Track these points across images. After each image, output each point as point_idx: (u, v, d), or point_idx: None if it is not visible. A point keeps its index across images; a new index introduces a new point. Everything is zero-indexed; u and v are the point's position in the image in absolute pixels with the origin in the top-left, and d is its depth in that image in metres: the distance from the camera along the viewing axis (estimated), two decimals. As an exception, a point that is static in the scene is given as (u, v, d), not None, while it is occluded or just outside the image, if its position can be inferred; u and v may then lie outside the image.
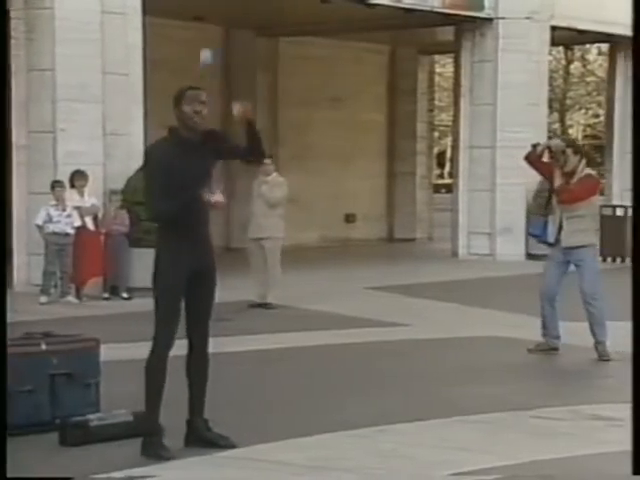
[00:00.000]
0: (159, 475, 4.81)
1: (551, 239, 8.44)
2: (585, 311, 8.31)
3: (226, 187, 21.02)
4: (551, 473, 4.88)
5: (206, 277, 5.23)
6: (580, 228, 8.23)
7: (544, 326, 8.42)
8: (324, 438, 5.46)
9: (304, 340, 8.99)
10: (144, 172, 5.32)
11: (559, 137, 9.24)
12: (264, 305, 11.08)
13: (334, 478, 4.75)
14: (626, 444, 5.32)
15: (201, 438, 5.20)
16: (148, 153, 5.36)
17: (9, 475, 3.57)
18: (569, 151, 8.34)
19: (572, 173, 8.30)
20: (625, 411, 6.13)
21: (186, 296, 5.19)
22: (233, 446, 5.17)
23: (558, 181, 8.33)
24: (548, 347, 8.39)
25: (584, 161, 8.47)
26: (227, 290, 11.71)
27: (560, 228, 8.28)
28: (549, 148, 8.44)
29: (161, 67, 14.89)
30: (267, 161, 11.54)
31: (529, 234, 8.93)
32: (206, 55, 5.30)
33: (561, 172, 8.31)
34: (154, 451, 5.08)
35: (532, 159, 8.52)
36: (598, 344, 8.23)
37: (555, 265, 8.40)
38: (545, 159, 8.61)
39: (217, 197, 5.15)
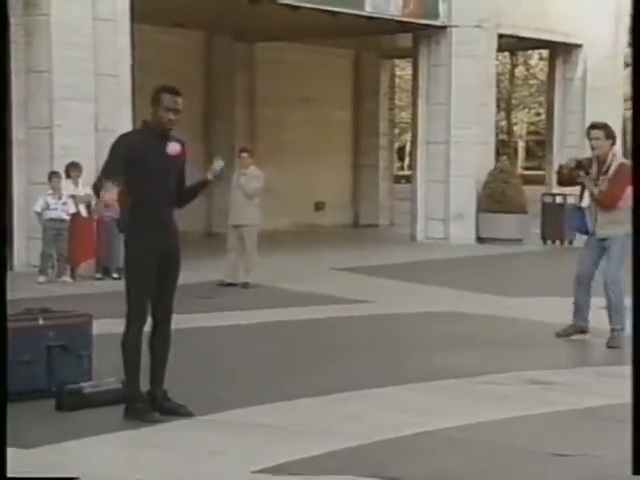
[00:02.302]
0: (150, 437, 4.79)
1: (589, 229, 7.65)
2: (605, 297, 7.63)
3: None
4: (492, 434, 4.89)
5: (171, 258, 5.16)
6: (614, 219, 7.47)
7: (576, 309, 7.72)
8: (296, 403, 5.45)
9: (278, 316, 8.98)
10: (110, 150, 5.19)
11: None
12: (241, 285, 11.07)
13: (305, 439, 4.74)
14: (558, 405, 5.38)
15: (161, 407, 5.14)
16: (119, 137, 5.26)
17: (9, 475, 3.51)
18: (600, 133, 7.44)
19: (604, 161, 7.45)
20: (559, 376, 6.20)
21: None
22: (190, 414, 5.09)
23: (592, 186, 7.47)
24: (576, 329, 7.70)
25: (615, 147, 7.59)
26: (208, 271, 11.79)
27: (595, 219, 7.55)
28: (577, 162, 7.62)
29: (148, 69, 14.76)
30: (245, 155, 11.58)
31: (570, 226, 8.11)
32: (218, 163, 5.30)
33: (595, 178, 7.45)
34: (139, 416, 5.06)
35: (564, 180, 7.73)
36: (612, 331, 7.52)
37: (590, 252, 7.68)
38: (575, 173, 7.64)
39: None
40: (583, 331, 7.69)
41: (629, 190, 7.19)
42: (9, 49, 11.73)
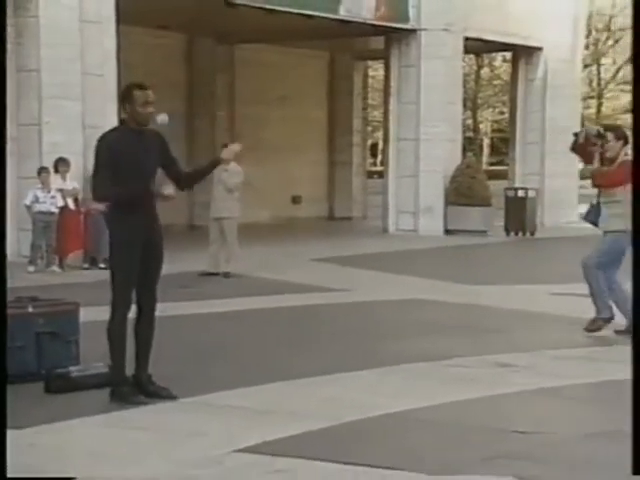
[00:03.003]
0: (136, 418, 4.76)
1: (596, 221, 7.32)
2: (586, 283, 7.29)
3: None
4: (458, 414, 4.91)
5: (154, 248, 5.11)
6: (617, 213, 7.04)
7: (592, 300, 7.26)
8: (274, 386, 5.43)
9: (258, 304, 8.95)
10: (95, 155, 5.14)
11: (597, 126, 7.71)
12: (222, 274, 11.05)
13: (282, 420, 4.73)
14: (520, 386, 5.41)
15: (145, 390, 5.11)
16: (100, 139, 5.17)
17: (9, 475, 3.45)
18: (610, 136, 7.11)
19: (614, 159, 7.11)
20: (522, 359, 6.22)
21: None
22: (173, 397, 5.06)
23: (595, 165, 7.18)
24: (602, 322, 7.19)
25: (628, 147, 7.09)
26: (190, 261, 11.74)
27: (599, 212, 7.22)
28: (586, 135, 7.22)
29: (133, 69, 14.64)
30: (225, 151, 11.56)
31: (583, 219, 7.63)
32: (163, 117, 5.20)
33: (601, 157, 7.11)
34: (124, 398, 5.03)
35: (577, 148, 7.28)
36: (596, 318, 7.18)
37: (596, 244, 7.31)
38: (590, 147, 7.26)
39: (168, 190, 5.06)
40: (608, 319, 7.15)
41: (629, 186, 6.82)
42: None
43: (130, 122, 5.08)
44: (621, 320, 7.11)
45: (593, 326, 7.17)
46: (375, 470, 3.86)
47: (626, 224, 6.88)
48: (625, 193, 6.91)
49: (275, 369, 5.88)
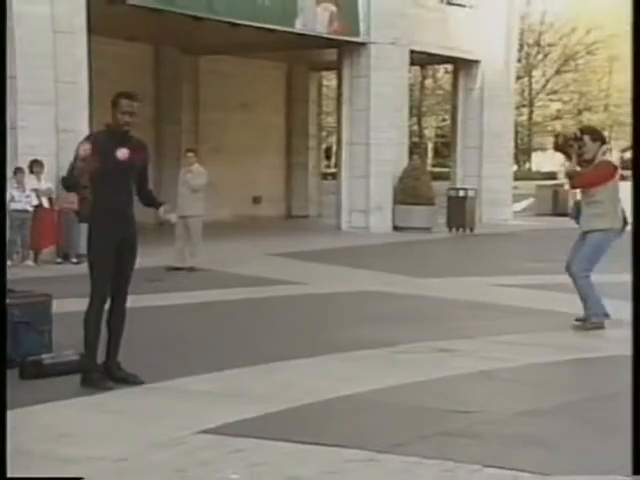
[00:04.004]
0: (106, 402, 4.69)
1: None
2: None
3: (156, 174, 20.63)
4: (404, 395, 4.91)
5: (129, 245, 5.08)
6: (596, 212, 6.70)
7: (581, 300, 6.91)
8: (235, 372, 5.39)
9: (221, 296, 8.89)
10: (76, 150, 5.05)
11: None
12: (188, 269, 10.97)
13: (242, 403, 4.69)
14: (463, 369, 5.44)
15: (114, 376, 5.05)
16: (87, 137, 5.16)
17: (9, 475, 3.36)
18: (587, 138, 6.72)
19: (592, 160, 6.73)
20: (466, 344, 6.26)
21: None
22: (141, 382, 5.01)
23: (572, 166, 6.83)
24: (591, 324, 6.81)
25: (605, 148, 6.86)
26: (158, 257, 11.61)
27: (579, 212, 6.88)
28: (564, 137, 6.98)
29: (103, 77, 14.46)
30: (190, 155, 11.47)
31: (569, 217, 7.35)
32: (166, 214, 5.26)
33: (578, 159, 6.76)
34: (95, 384, 4.96)
35: (559, 147, 6.98)
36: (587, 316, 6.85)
37: (576, 243, 6.96)
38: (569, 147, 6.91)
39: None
40: (599, 327, 6.76)
41: (610, 184, 6.67)
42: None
43: (112, 127, 5.05)
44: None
45: (585, 327, 6.79)
46: (327, 448, 3.85)
47: (607, 223, 6.70)
48: (604, 192, 6.68)
49: (237, 356, 5.84)
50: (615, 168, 6.87)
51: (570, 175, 6.87)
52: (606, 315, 6.83)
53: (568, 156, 6.89)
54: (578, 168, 6.82)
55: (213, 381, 5.18)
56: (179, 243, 11.16)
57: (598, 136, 6.85)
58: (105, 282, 5.00)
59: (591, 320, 6.83)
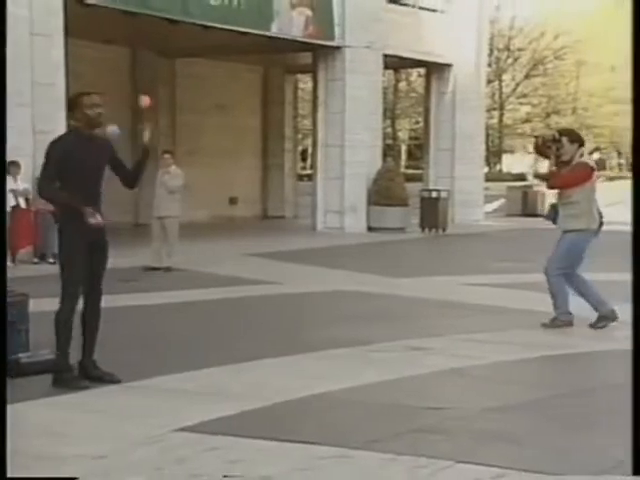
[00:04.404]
0: (84, 401, 4.66)
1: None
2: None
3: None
4: (377, 393, 4.94)
5: (100, 248, 5.05)
6: (573, 213, 6.68)
7: (551, 297, 6.88)
8: (211, 371, 5.38)
9: (198, 295, 8.86)
10: (45, 155, 5.01)
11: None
12: (164, 269, 10.93)
13: (218, 402, 4.68)
14: (434, 367, 5.47)
15: (90, 375, 5.03)
16: (54, 141, 5.06)
17: (9, 475, 3.33)
18: (565, 139, 6.69)
19: (570, 161, 6.69)
20: (437, 342, 6.29)
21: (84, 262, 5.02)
22: (118, 381, 4.99)
23: (549, 168, 6.82)
24: (561, 323, 6.80)
25: (583, 149, 6.77)
26: (134, 257, 11.55)
27: (556, 213, 6.84)
28: (543, 139, 6.89)
29: (80, 79, 14.35)
30: (167, 156, 11.42)
31: (544, 217, 7.21)
32: (113, 129, 5.11)
33: (556, 160, 6.72)
34: (67, 384, 4.92)
35: (538, 149, 6.92)
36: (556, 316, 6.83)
37: (557, 243, 6.88)
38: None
39: (96, 220, 4.94)
40: (566, 324, 6.75)
41: (587, 185, 6.63)
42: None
43: (81, 127, 4.98)
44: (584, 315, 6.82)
45: (553, 324, 6.79)
46: (301, 445, 3.85)
47: (583, 224, 6.65)
48: (581, 193, 6.65)
49: (213, 355, 5.83)
50: (592, 169, 6.84)
51: (547, 176, 6.85)
52: (570, 314, 6.83)
53: (547, 157, 6.88)
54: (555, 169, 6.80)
55: (190, 380, 5.16)
56: (156, 243, 11.13)
57: (576, 138, 6.79)
58: (76, 283, 4.97)
59: (560, 318, 6.85)
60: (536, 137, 7.19)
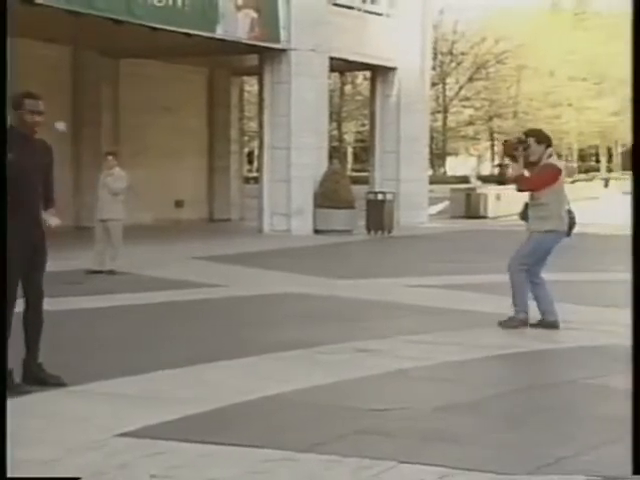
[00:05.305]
0: (27, 405, 4.56)
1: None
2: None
3: (76, 177, 20.12)
4: (324, 395, 4.95)
5: (39, 247, 4.97)
6: (541, 215, 6.66)
7: (514, 302, 6.85)
8: (157, 374, 5.31)
9: (142, 299, 8.74)
10: None
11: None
12: (108, 272, 10.76)
13: (164, 405, 4.63)
14: (379, 368, 5.50)
15: (36, 378, 4.93)
16: None
17: (9, 475, 3.24)
18: (531, 140, 6.67)
19: (537, 162, 6.67)
20: (382, 344, 6.33)
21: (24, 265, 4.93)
22: (63, 384, 4.90)
23: (518, 170, 6.73)
24: (518, 323, 6.78)
25: (550, 150, 6.74)
26: (77, 260, 11.35)
27: (527, 214, 6.83)
28: (510, 142, 6.90)
29: (21, 78, 14.04)
30: (110, 158, 11.24)
31: (519, 217, 7.04)
32: (60, 125, 5.02)
33: (525, 161, 6.68)
34: (9, 390, 4.80)
35: (507, 152, 6.91)
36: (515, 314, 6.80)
37: (523, 242, 6.88)
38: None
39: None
40: (522, 323, 6.74)
41: (555, 187, 6.61)
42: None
43: (19, 128, 4.88)
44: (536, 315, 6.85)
45: (510, 324, 6.77)
46: (246, 449, 3.83)
47: (550, 225, 6.63)
48: (550, 195, 6.62)
49: (158, 359, 5.76)
50: (559, 170, 6.82)
51: (518, 180, 6.77)
52: (526, 313, 6.78)
53: (515, 160, 6.81)
54: (525, 171, 6.75)
55: (135, 384, 5.09)
56: (99, 246, 10.96)
57: (543, 138, 6.74)
58: (13, 286, 4.87)
59: (517, 317, 6.77)
60: (505, 142, 7.14)
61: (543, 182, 6.66)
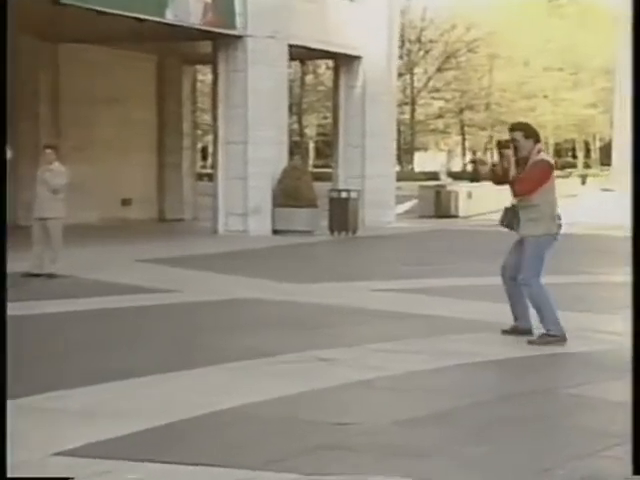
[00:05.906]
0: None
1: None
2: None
3: (12, 172, 19.82)
4: (284, 408, 4.94)
5: None
6: (532, 217, 6.61)
7: (510, 304, 6.89)
8: (104, 387, 5.26)
9: (84, 305, 8.65)
10: None
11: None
12: (47, 275, 10.63)
13: (110, 421, 4.57)
14: (341, 379, 5.52)
15: None
16: None
17: (9, 475, 3.23)
18: (519, 135, 6.60)
19: (527, 158, 6.60)
20: (344, 353, 6.35)
21: None
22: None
23: (513, 172, 6.65)
24: (516, 330, 6.83)
25: (540, 145, 6.71)
26: (13, 262, 11.13)
27: (516, 216, 6.72)
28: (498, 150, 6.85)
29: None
30: (49, 152, 11.10)
31: (499, 223, 6.95)
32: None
33: (516, 160, 6.63)
34: None
35: (484, 176, 6.97)
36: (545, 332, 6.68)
37: (513, 246, 6.86)
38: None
39: None
40: (523, 332, 6.73)
41: (547, 186, 6.56)
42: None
43: None
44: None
45: (542, 341, 6.61)
46: (196, 468, 3.81)
47: (542, 229, 6.59)
48: (541, 195, 6.57)
49: (105, 369, 5.71)
50: (551, 167, 6.74)
51: (512, 183, 6.66)
52: (559, 324, 6.65)
53: (499, 178, 6.79)
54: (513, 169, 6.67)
55: (77, 397, 5.04)
56: (37, 247, 10.82)
57: (531, 133, 6.66)
58: None
59: (550, 333, 6.61)
60: (499, 142, 7.02)
61: (536, 184, 6.58)
